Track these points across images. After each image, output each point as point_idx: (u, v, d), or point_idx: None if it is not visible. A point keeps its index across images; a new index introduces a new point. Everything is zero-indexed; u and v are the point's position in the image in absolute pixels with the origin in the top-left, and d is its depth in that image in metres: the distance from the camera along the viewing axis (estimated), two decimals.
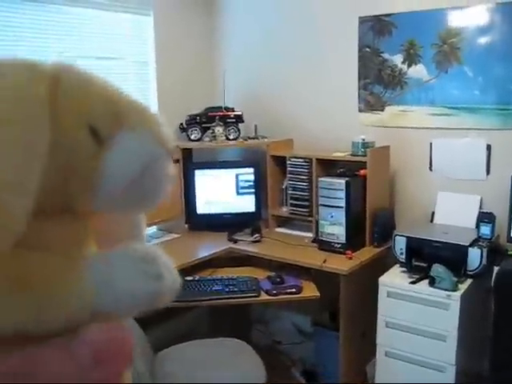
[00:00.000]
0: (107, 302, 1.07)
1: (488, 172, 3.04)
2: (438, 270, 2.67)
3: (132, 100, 1.19)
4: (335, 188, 3.06)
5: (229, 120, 3.68)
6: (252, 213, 3.66)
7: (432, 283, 2.68)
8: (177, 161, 3.53)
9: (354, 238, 3.10)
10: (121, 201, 1.14)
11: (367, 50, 3.38)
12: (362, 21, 3.36)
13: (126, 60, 3.55)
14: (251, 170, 3.64)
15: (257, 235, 3.39)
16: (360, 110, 3.46)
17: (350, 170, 3.18)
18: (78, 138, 1.05)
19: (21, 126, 0.98)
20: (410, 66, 3.22)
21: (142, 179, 1.11)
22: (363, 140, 3.16)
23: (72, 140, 1.05)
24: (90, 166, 1.06)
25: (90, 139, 1.06)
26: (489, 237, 2.85)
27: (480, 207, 3.03)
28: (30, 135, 0.99)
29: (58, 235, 1.11)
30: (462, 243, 2.73)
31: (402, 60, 3.25)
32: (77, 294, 1.04)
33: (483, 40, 2.95)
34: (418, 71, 3.20)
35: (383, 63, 3.32)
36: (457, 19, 3.01)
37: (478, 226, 2.93)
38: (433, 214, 3.16)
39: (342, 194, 3.03)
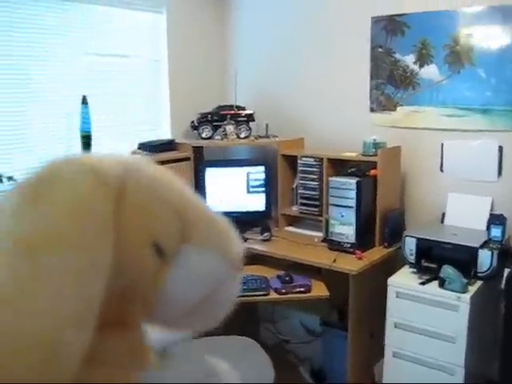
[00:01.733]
0: None
1: (499, 174, 3.02)
2: (447, 271, 2.66)
3: (199, 205, 1.09)
4: (346, 188, 3.05)
5: (240, 119, 3.69)
6: (262, 211, 3.67)
7: (442, 284, 2.67)
8: (188, 159, 3.54)
9: (364, 238, 3.09)
10: (179, 319, 1.05)
11: (379, 49, 3.37)
12: (375, 21, 3.36)
13: (138, 58, 3.57)
14: (262, 168, 3.64)
15: (267, 234, 3.40)
16: (372, 110, 3.46)
17: (361, 170, 3.18)
18: (141, 255, 0.95)
19: (84, 250, 0.87)
20: (422, 66, 3.21)
21: (204, 302, 1.03)
22: (374, 140, 3.15)
23: (135, 258, 0.95)
24: (151, 284, 0.97)
25: (155, 257, 0.96)
26: (499, 239, 2.83)
27: (491, 209, 3.02)
28: (92, 259, 0.88)
29: (111, 347, 1.01)
30: (472, 245, 2.72)
31: (414, 60, 3.24)
32: None
33: (496, 41, 2.93)
34: (430, 72, 3.19)
35: (395, 63, 3.32)
36: (470, 20, 3.00)
37: (488, 228, 2.91)
38: (443, 215, 3.15)
39: (353, 194, 3.03)
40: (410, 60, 3.26)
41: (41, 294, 0.82)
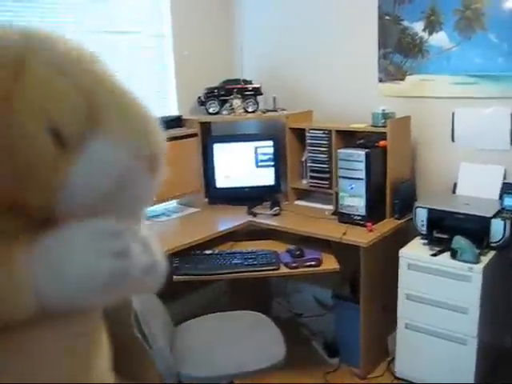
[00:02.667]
0: (56, 293, 0.88)
1: None
2: (459, 241, 2.64)
3: (115, 90, 0.97)
4: (355, 159, 3.01)
5: (247, 93, 3.64)
6: (271, 186, 3.64)
7: (454, 255, 2.65)
8: (195, 135, 3.52)
9: (375, 210, 3.06)
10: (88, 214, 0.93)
11: (387, 18, 3.30)
12: None
13: (143, 34, 3.52)
14: (270, 142, 3.61)
15: (276, 208, 3.37)
16: (380, 80, 3.40)
17: (370, 142, 3.14)
18: (37, 141, 0.85)
19: None
20: (431, 33, 3.14)
21: (113, 200, 0.93)
22: (383, 111, 3.10)
23: (30, 144, 0.85)
24: (50, 175, 0.87)
25: (53, 144, 0.86)
26: None
27: (504, 178, 2.97)
28: None
29: (9, 221, 0.92)
30: (484, 215, 2.69)
31: (422, 27, 3.16)
32: (10, 288, 0.87)
33: (509, 4, 2.85)
34: (439, 39, 3.12)
35: (403, 31, 3.24)
36: None
37: (501, 198, 2.87)
38: (455, 185, 3.10)
39: (362, 166, 2.99)
40: (418, 27, 3.19)
41: None
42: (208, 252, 2.98)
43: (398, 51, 3.29)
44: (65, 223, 0.93)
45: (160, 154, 0.98)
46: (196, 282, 3.01)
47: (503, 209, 2.78)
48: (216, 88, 3.64)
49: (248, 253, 3.00)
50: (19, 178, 0.86)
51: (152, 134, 0.97)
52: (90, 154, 0.88)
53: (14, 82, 0.84)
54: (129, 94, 0.98)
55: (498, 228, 2.65)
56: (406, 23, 3.22)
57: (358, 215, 3.05)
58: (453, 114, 3.13)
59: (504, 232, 2.63)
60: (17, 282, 0.87)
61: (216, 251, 3.04)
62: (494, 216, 2.67)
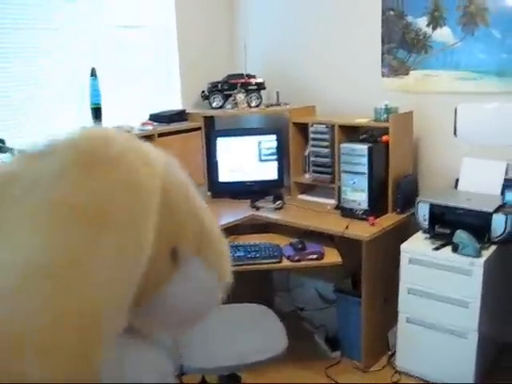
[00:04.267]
0: None
1: None
2: (461, 236, 2.65)
3: (213, 220, 1.03)
4: (358, 154, 3.03)
5: (250, 87, 3.66)
6: (274, 180, 3.66)
7: (455, 249, 2.66)
8: (199, 129, 3.54)
9: (377, 205, 3.07)
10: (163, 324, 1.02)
11: (391, 13, 3.30)
12: None
13: (147, 28, 3.54)
14: (273, 137, 3.62)
15: (279, 202, 3.39)
16: (383, 75, 3.41)
17: (373, 136, 3.15)
18: (160, 257, 0.90)
19: (135, 231, 0.84)
20: (434, 28, 3.15)
21: (197, 313, 1.02)
22: (386, 106, 3.11)
23: (154, 258, 0.88)
24: (156, 285, 0.92)
25: (169, 261, 0.92)
26: None
27: (506, 173, 2.98)
28: (141, 241, 0.84)
29: None
30: (486, 209, 2.70)
31: (426, 23, 3.17)
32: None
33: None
34: (443, 34, 3.13)
35: (407, 27, 3.25)
36: None
37: (503, 193, 2.88)
38: (457, 180, 3.11)
39: (365, 160, 3.00)
40: (422, 23, 3.19)
41: (93, 267, 0.79)
42: None
43: (402, 46, 3.30)
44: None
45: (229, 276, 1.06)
46: None
47: (505, 204, 2.79)
48: (220, 82, 3.66)
49: (251, 246, 3.02)
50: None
51: (230, 262, 1.06)
52: (190, 272, 0.95)
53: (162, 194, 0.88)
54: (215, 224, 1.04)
55: (499, 223, 2.66)
56: (409, 18, 3.23)
57: (361, 209, 3.06)
58: (456, 109, 3.13)
59: (505, 227, 2.64)
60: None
61: None
62: (496, 211, 2.68)
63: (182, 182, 0.96)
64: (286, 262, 2.93)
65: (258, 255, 2.92)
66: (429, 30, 3.17)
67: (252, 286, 3.48)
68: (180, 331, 1.10)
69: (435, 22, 3.14)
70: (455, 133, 3.16)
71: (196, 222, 0.96)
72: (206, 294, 1.00)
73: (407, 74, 3.30)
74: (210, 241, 1.00)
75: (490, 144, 3.05)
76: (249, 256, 2.91)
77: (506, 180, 2.93)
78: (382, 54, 3.38)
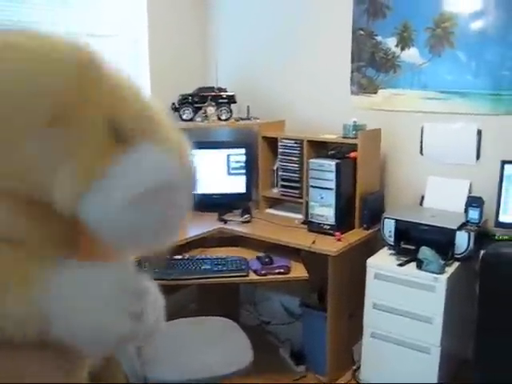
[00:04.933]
0: (62, 329, 0.87)
1: (478, 157, 3.05)
2: (425, 252, 2.69)
3: (164, 113, 1.04)
4: (325, 170, 3.06)
5: (221, 100, 3.67)
6: (243, 193, 3.67)
7: (419, 266, 2.70)
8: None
9: (344, 220, 3.11)
10: (120, 221, 0.90)
11: (361, 32, 3.36)
12: (357, 2, 3.35)
13: (118, 37, 3.53)
14: (242, 150, 3.64)
15: (247, 216, 3.40)
16: (352, 93, 3.46)
17: (341, 153, 3.19)
18: (96, 125, 0.88)
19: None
20: (403, 49, 3.22)
21: (151, 205, 0.90)
22: (354, 122, 3.16)
23: (89, 125, 0.88)
24: (95, 161, 0.87)
25: (107, 132, 0.89)
26: (477, 221, 2.86)
27: (469, 192, 3.05)
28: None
29: (35, 230, 0.90)
30: (450, 226, 2.75)
31: (395, 43, 3.24)
32: (22, 302, 0.86)
33: (476, 25, 2.94)
34: (411, 55, 3.20)
35: (377, 46, 3.32)
36: (451, 3, 3.01)
37: (466, 211, 2.94)
38: (422, 197, 3.17)
39: (332, 176, 3.04)
40: (391, 43, 3.26)
41: None
42: (178, 257, 2.99)
43: (371, 65, 3.36)
44: (89, 248, 0.95)
45: (195, 175, 1.04)
46: (165, 287, 3.01)
47: (468, 221, 2.85)
48: (190, 95, 3.66)
49: (217, 259, 3.02)
50: (61, 155, 0.86)
51: (192, 156, 1.05)
52: (138, 153, 0.91)
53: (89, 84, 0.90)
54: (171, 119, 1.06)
55: (462, 240, 2.71)
56: (379, 38, 3.29)
57: (328, 224, 3.10)
58: (422, 128, 3.21)
59: (468, 244, 2.70)
60: (31, 310, 0.86)
61: (186, 256, 3.05)
62: (459, 228, 2.74)
63: (121, 74, 1.02)
64: (252, 276, 2.94)
65: (224, 268, 2.92)
66: (397, 50, 3.24)
67: (218, 299, 3.48)
68: (147, 237, 0.95)
69: (404, 42, 3.20)
70: (421, 151, 3.23)
71: (141, 108, 0.97)
72: (161, 176, 0.92)
73: (376, 92, 3.36)
74: (159, 124, 0.99)
75: (455, 163, 3.12)
76: (215, 269, 2.91)
77: (469, 198, 2.99)
78: (352, 72, 3.44)
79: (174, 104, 3.65)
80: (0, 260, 0.87)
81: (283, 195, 3.53)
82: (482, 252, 2.64)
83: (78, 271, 0.91)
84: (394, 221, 2.90)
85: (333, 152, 3.22)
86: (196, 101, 3.65)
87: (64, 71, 0.88)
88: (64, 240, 0.94)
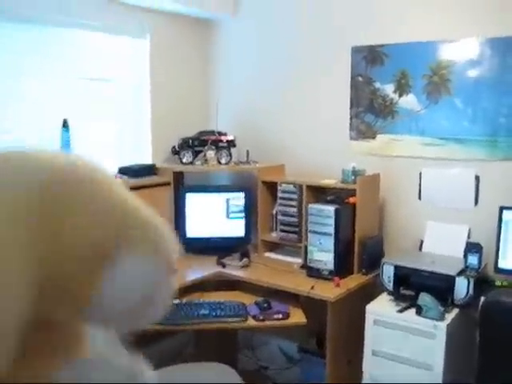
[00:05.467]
0: None
1: (476, 202, 3.06)
2: (425, 298, 2.68)
3: (137, 206, 1.02)
4: (324, 215, 3.07)
5: (221, 144, 3.71)
6: (241, 237, 3.67)
7: (419, 312, 2.68)
8: (168, 183, 3.55)
9: (343, 265, 3.10)
10: (114, 319, 1.00)
11: (359, 78, 3.42)
12: (356, 50, 3.41)
13: (121, 82, 3.59)
14: (242, 194, 3.66)
15: (245, 260, 3.39)
16: (351, 138, 3.50)
17: (340, 198, 3.20)
18: (79, 257, 0.89)
19: None
20: (401, 95, 3.27)
21: (142, 305, 0.99)
22: (353, 168, 3.18)
23: (75, 254, 0.89)
24: (85, 287, 0.90)
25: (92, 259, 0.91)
26: (476, 267, 2.85)
27: (468, 237, 3.05)
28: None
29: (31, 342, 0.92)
30: (449, 273, 2.74)
31: (393, 89, 3.29)
32: None
33: (473, 72, 3.00)
34: (408, 101, 3.24)
35: (375, 92, 3.37)
36: (448, 51, 3.07)
37: (465, 256, 2.93)
38: (421, 242, 3.17)
39: (331, 221, 3.05)
40: (389, 89, 3.31)
41: None
42: (176, 301, 2.97)
43: (370, 111, 3.40)
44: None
45: (176, 256, 1.05)
46: (162, 332, 2.99)
47: (467, 267, 2.84)
48: (191, 138, 3.70)
49: (216, 303, 3.00)
50: (57, 290, 0.88)
51: (169, 241, 1.04)
52: (119, 268, 0.92)
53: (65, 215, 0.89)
54: (143, 208, 1.03)
55: (461, 286, 2.70)
56: (377, 85, 3.35)
57: (326, 270, 3.09)
58: (420, 173, 3.23)
59: (468, 290, 2.69)
60: None
61: (184, 301, 3.03)
62: (458, 274, 2.73)
63: (83, 180, 0.94)
64: (250, 321, 2.91)
65: (222, 313, 2.90)
66: (395, 97, 3.28)
67: (216, 343, 3.44)
68: (139, 323, 1.05)
69: (401, 89, 3.25)
70: (420, 196, 3.24)
71: (111, 220, 0.94)
72: (144, 282, 0.97)
73: (374, 137, 3.40)
74: (141, 229, 0.97)
75: (453, 208, 3.13)
76: (213, 314, 2.89)
77: (467, 244, 2.99)
78: (351, 117, 3.48)
79: (174, 147, 3.69)
80: None
81: (282, 239, 3.53)
82: (481, 299, 2.63)
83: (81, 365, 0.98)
84: (393, 266, 2.89)
85: (332, 197, 3.24)
86: (196, 144, 3.69)
87: None
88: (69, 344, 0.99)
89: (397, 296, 2.87)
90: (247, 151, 3.77)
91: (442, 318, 2.63)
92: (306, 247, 3.25)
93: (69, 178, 0.93)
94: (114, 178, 1.03)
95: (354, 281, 3.07)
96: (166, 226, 1.04)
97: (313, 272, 3.14)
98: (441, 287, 2.74)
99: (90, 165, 0.99)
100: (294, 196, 3.41)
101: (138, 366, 1.07)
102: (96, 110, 3.44)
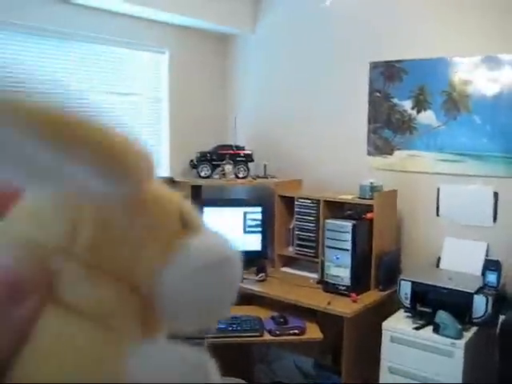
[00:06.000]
0: None
1: (495, 219, 3.04)
2: (442, 316, 2.66)
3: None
4: (342, 230, 3.07)
5: (239, 158, 3.72)
6: (258, 251, 3.67)
7: (436, 330, 2.66)
8: (186, 197, 3.56)
9: (359, 281, 3.09)
10: (188, 293, 0.98)
11: (377, 94, 3.43)
12: (374, 66, 3.42)
13: (140, 96, 3.63)
14: (259, 209, 3.66)
15: (262, 274, 3.39)
16: (369, 154, 3.50)
17: (358, 213, 3.20)
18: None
19: None
20: (419, 111, 3.26)
21: (217, 276, 0.98)
22: (371, 183, 3.18)
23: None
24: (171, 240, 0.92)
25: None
26: (495, 285, 2.83)
27: (486, 254, 3.02)
28: None
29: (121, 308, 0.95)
30: (467, 290, 2.72)
31: (411, 106, 3.29)
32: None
33: (492, 89, 2.99)
34: (427, 117, 3.24)
35: (393, 108, 3.37)
36: (467, 68, 3.06)
37: (484, 274, 2.92)
38: (439, 259, 3.15)
39: (349, 237, 3.04)
40: (407, 105, 3.31)
41: None
42: None
43: (388, 127, 3.40)
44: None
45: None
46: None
47: (485, 285, 2.82)
48: (209, 152, 3.72)
49: (232, 318, 2.99)
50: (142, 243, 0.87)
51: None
52: (202, 236, 0.92)
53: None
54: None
55: (480, 304, 2.68)
56: (395, 101, 3.35)
57: (343, 285, 3.08)
58: (438, 189, 3.21)
59: (486, 308, 2.66)
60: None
61: None
62: (477, 292, 2.71)
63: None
64: (266, 336, 2.91)
65: (239, 328, 2.90)
66: (413, 113, 3.28)
67: (232, 357, 3.42)
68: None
69: (420, 105, 3.25)
70: (437, 212, 3.22)
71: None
72: (224, 252, 0.95)
73: (392, 153, 3.39)
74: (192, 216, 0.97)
75: (471, 224, 3.11)
76: (230, 329, 2.89)
77: (486, 261, 2.97)
78: (368, 133, 3.48)
79: (192, 161, 3.71)
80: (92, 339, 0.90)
81: (299, 254, 3.53)
82: (500, 317, 2.61)
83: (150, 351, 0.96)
84: (410, 283, 2.88)
85: (349, 212, 3.23)
86: (214, 158, 3.71)
87: None
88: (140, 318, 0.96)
89: (414, 313, 2.86)
90: (265, 165, 3.78)
91: (459, 336, 2.61)
92: (322, 262, 3.24)
93: None
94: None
95: (370, 297, 3.06)
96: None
97: (329, 287, 3.13)
98: (459, 305, 2.71)
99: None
100: (311, 211, 3.41)
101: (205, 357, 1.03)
102: (116, 123, 3.47)
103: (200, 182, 3.70)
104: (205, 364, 0.98)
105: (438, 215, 3.24)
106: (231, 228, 3.64)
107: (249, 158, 3.75)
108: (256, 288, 3.26)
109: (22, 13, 2.86)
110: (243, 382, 2.65)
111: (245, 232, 3.65)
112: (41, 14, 2.94)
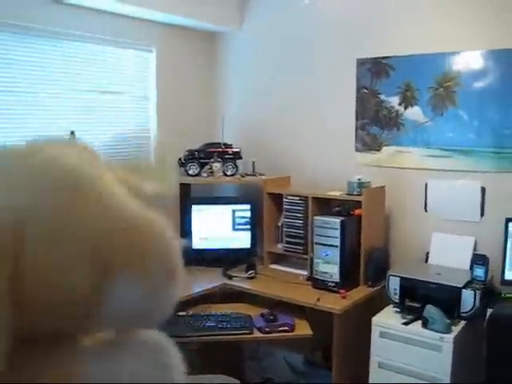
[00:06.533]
0: None
1: (482, 214, 3.06)
2: (431, 311, 2.67)
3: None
4: (330, 227, 3.07)
5: (227, 156, 3.72)
6: (247, 249, 3.67)
7: (425, 324, 2.67)
8: (174, 195, 3.56)
9: (348, 277, 3.10)
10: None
11: (365, 91, 3.43)
12: (361, 63, 3.43)
13: (127, 94, 3.61)
14: (248, 206, 3.66)
15: (251, 271, 3.39)
16: (357, 150, 3.50)
17: (346, 209, 3.20)
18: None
19: None
20: (406, 107, 3.27)
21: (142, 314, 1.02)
22: (359, 180, 3.19)
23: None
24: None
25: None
26: (482, 279, 2.84)
27: (474, 249, 3.04)
28: None
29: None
30: (455, 285, 2.73)
31: (398, 102, 3.30)
32: None
33: (478, 84, 3.00)
34: (414, 113, 3.25)
35: (380, 104, 3.38)
36: (453, 63, 3.08)
37: (471, 268, 2.93)
38: (427, 254, 3.16)
39: (337, 233, 3.05)
40: (394, 101, 3.32)
41: None
42: (181, 314, 2.97)
43: (375, 123, 3.41)
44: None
45: (177, 264, 1.09)
46: None
47: (473, 279, 2.83)
48: (197, 150, 3.72)
49: (221, 316, 3.00)
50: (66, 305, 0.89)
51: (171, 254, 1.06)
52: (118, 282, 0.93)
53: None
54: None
55: (468, 298, 2.69)
56: (382, 97, 3.36)
57: (332, 282, 3.08)
58: (426, 184, 3.23)
59: (474, 302, 2.67)
60: None
61: (189, 313, 3.03)
62: (465, 286, 2.72)
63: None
64: (256, 333, 2.91)
65: (228, 326, 2.90)
66: (401, 109, 3.29)
67: (222, 355, 3.43)
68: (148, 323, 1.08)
69: (407, 101, 3.26)
70: (425, 208, 3.24)
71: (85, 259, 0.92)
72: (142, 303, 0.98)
73: (380, 149, 3.40)
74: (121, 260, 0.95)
75: (459, 219, 3.12)
76: (220, 326, 2.89)
77: (474, 255, 2.99)
78: (356, 129, 3.49)
79: (180, 159, 3.70)
80: None
81: (288, 251, 3.53)
82: (488, 311, 2.62)
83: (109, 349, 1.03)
84: (398, 278, 2.89)
85: (337, 209, 3.24)
86: (202, 156, 3.70)
87: None
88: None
89: (403, 308, 2.86)
90: (253, 163, 3.78)
91: (448, 331, 2.62)
92: (311, 259, 3.25)
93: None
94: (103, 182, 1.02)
95: (359, 293, 3.07)
96: (170, 236, 1.03)
97: (318, 284, 3.13)
98: (447, 299, 2.72)
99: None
100: (300, 208, 3.42)
101: (164, 339, 1.09)
102: (103, 122, 3.46)
103: (188, 180, 3.69)
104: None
105: (426, 211, 3.25)
106: (220, 226, 3.64)
107: (237, 156, 3.75)
108: (245, 285, 3.26)
109: (11, 12, 2.84)
110: (233, 379, 2.64)
111: (234, 229, 3.65)
112: (27, 13, 2.92)
